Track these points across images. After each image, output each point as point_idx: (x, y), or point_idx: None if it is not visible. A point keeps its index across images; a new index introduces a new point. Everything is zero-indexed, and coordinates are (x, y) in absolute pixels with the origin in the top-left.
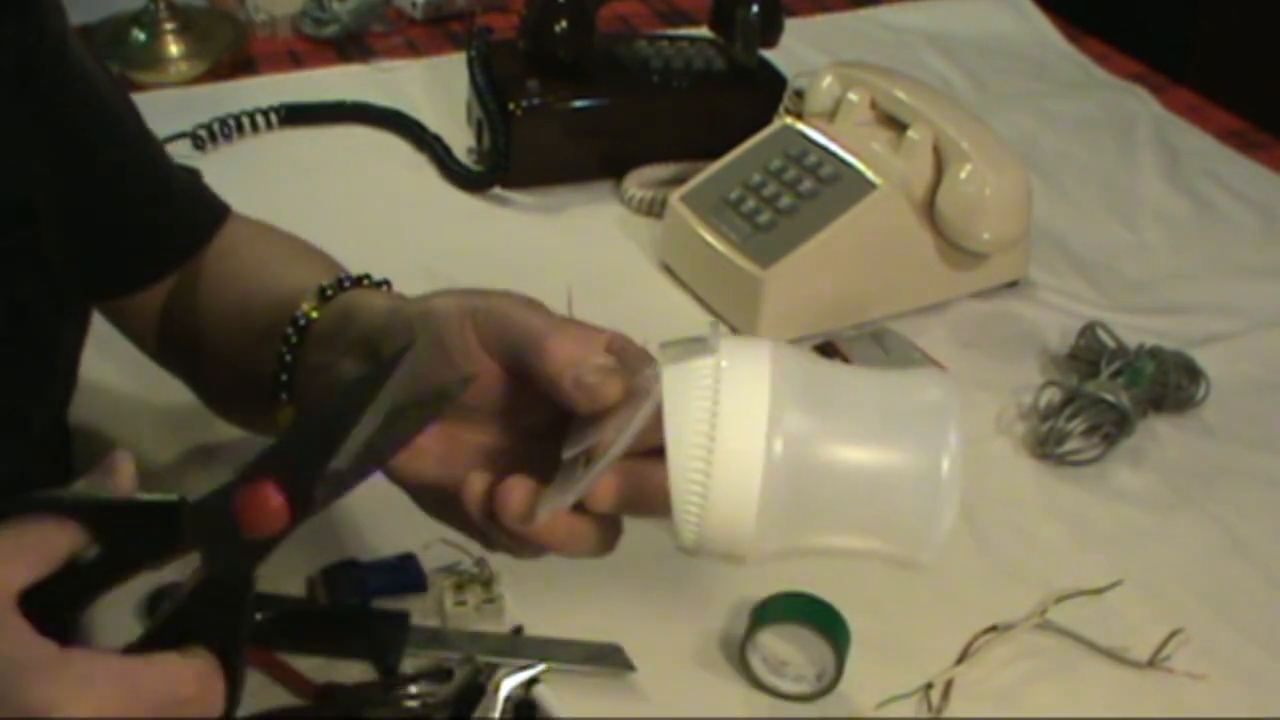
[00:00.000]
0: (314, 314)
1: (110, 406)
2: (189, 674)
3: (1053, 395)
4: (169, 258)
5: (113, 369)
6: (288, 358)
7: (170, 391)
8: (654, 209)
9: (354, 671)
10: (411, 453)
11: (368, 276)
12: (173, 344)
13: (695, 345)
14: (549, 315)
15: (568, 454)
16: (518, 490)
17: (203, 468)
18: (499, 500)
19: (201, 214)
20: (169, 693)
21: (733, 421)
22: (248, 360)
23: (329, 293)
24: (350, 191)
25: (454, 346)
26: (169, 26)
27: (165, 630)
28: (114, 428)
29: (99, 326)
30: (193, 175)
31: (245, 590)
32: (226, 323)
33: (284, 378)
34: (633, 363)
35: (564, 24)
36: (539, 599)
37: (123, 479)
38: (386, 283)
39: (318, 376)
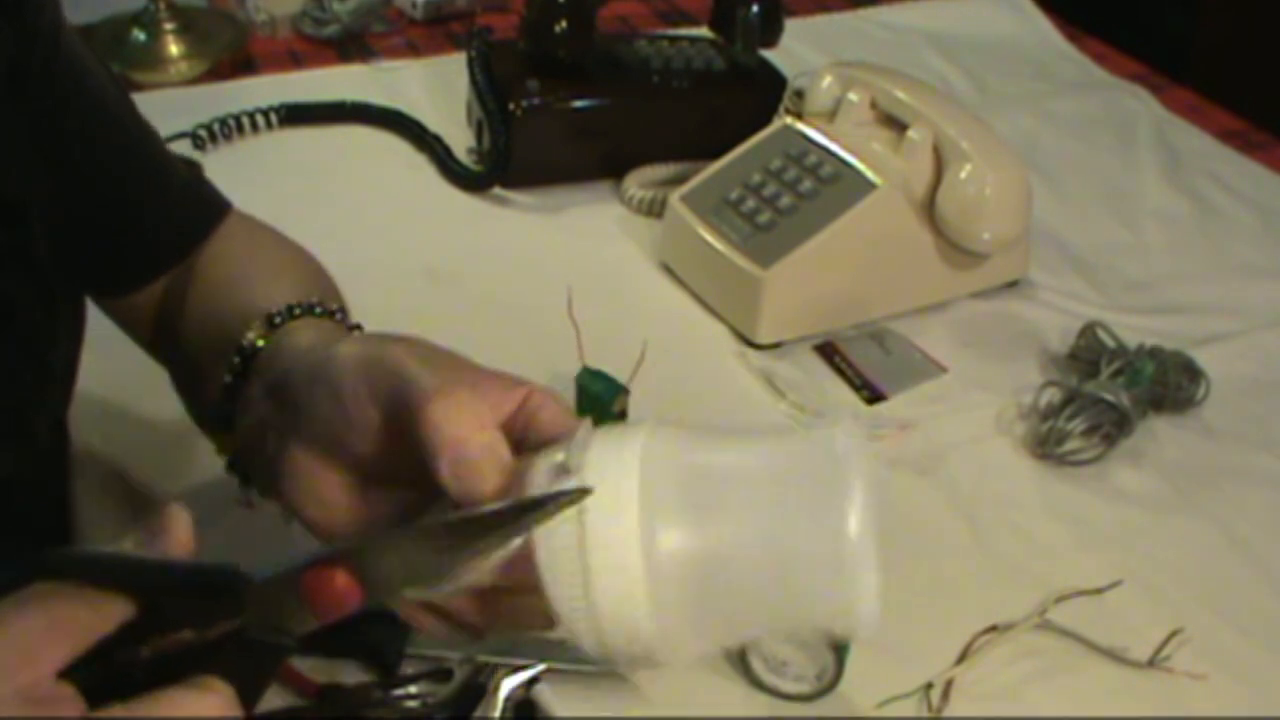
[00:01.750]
0: (259, 342)
1: (109, 410)
2: (215, 710)
3: (1053, 395)
4: (165, 256)
5: (111, 372)
6: (229, 382)
7: (169, 395)
8: (654, 209)
9: (354, 671)
10: (322, 506)
11: (320, 303)
12: (160, 340)
13: (562, 465)
14: (447, 371)
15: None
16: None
17: (201, 473)
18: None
19: (200, 212)
20: None
21: (604, 553)
22: (201, 368)
23: (276, 320)
24: (350, 191)
25: (348, 397)
26: (169, 27)
27: (186, 655)
28: (113, 431)
29: (97, 329)
30: (194, 169)
31: (286, 652)
32: (198, 328)
33: (226, 406)
34: (546, 428)
35: (564, 24)
36: None
37: (178, 540)
38: (341, 310)
39: (248, 411)
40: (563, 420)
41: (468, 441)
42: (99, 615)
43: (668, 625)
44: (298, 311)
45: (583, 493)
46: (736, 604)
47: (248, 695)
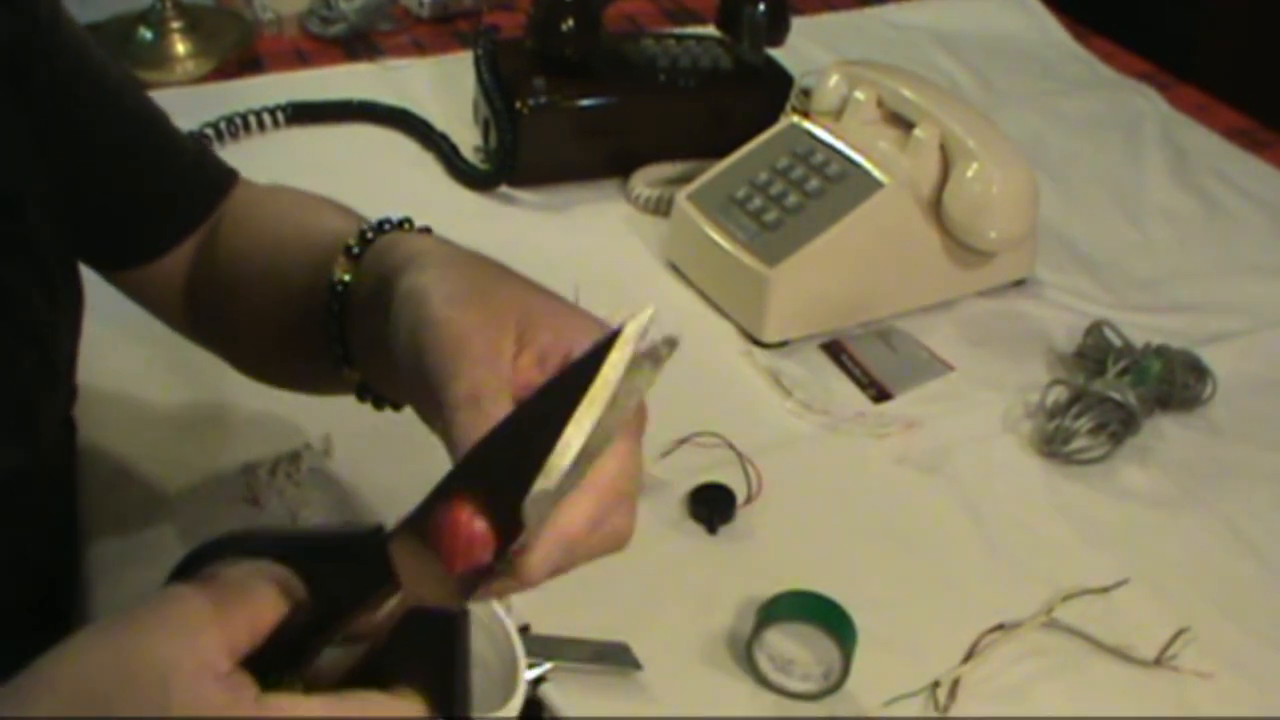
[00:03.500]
0: (345, 276)
1: (116, 406)
2: (394, 713)
3: (1059, 394)
4: (182, 224)
5: (117, 368)
6: (335, 329)
7: (175, 390)
8: (660, 207)
9: None
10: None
11: (388, 220)
12: (199, 312)
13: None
14: (476, 368)
15: None
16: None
17: (206, 469)
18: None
19: (210, 179)
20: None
21: None
22: (288, 321)
23: (355, 250)
24: (357, 190)
25: (399, 349)
26: (176, 25)
27: (367, 671)
28: (119, 427)
29: (102, 325)
30: (199, 143)
31: (457, 626)
32: (257, 284)
33: (340, 351)
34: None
35: (571, 23)
36: (546, 598)
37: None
38: (408, 221)
39: (376, 352)
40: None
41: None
42: (274, 600)
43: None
44: (370, 235)
45: (671, 344)
46: None
47: (441, 677)
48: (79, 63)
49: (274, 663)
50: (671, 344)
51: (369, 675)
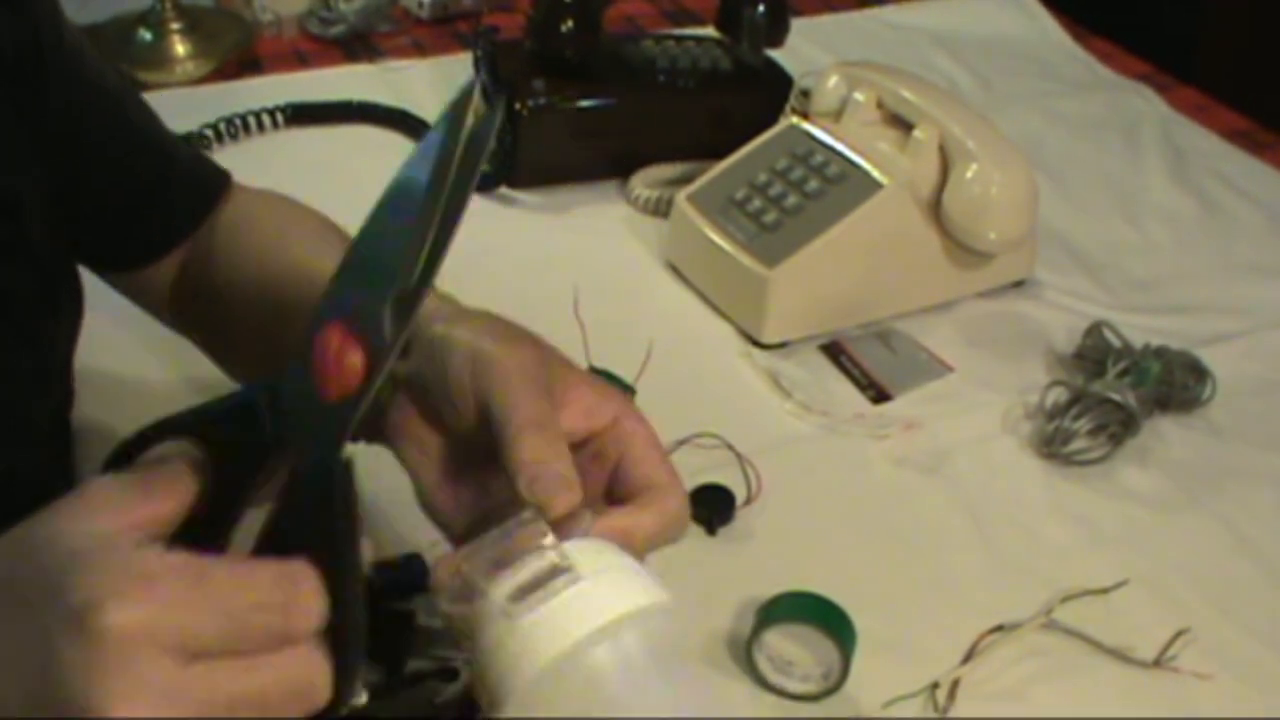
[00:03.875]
0: None
1: (114, 408)
2: (266, 575)
3: (1059, 395)
4: (180, 228)
5: (116, 367)
6: None
7: (174, 391)
8: (660, 208)
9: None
10: (421, 449)
11: None
12: (189, 314)
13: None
14: (533, 396)
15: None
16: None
17: None
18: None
19: (206, 183)
20: (240, 595)
21: (566, 611)
22: (274, 333)
23: None
24: (356, 191)
25: (453, 381)
26: (175, 26)
27: (268, 541)
28: (117, 430)
29: (101, 322)
30: (193, 147)
31: (336, 479)
32: (248, 293)
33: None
34: (634, 468)
35: (570, 24)
36: None
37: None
38: None
39: None
40: (649, 463)
41: (551, 463)
42: (177, 486)
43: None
44: None
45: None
46: None
47: (326, 534)
48: (78, 67)
49: (197, 540)
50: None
51: (270, 545)
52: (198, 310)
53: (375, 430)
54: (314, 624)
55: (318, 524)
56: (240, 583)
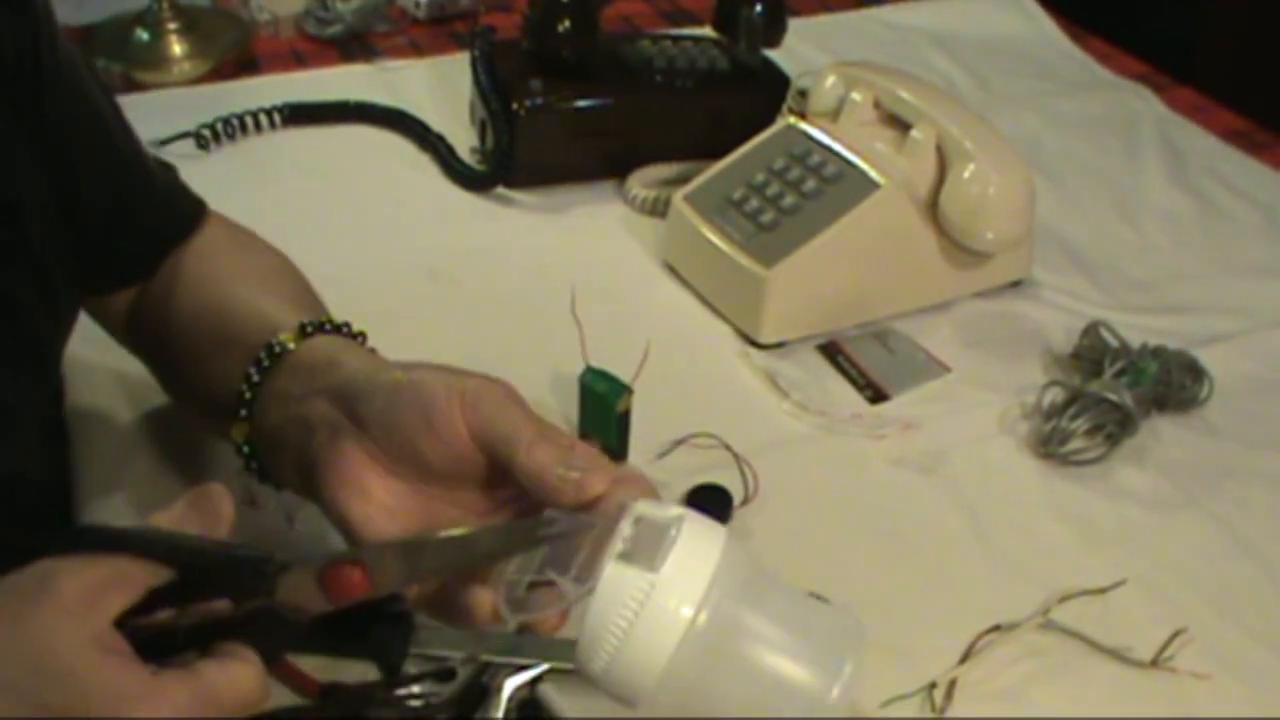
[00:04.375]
0: (291, 345)
1: (110, 409)
2: (253, 679)
3: (1056, 395)
4: (152, 256)
5: (112, 370)
6: (255, 378)
7: None
8: (657, 208)
9: (357, 671)
10: (365, 499)
11: (347, 325)
12: (142, 334)
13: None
14: (530, 415)
15: (520, 576)
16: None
17: (207, 469)
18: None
19: (182, 212)
20: (239, 697)
21: (672, 582)
22: (212, 365)
23: (309, 330)
24: (353, 191)
25: (440, 422)
26: (172, 26)
27: (219, 625)
28: (113, 431)
29: (94, 327)
30: (170, 172)
31: (304, 628)
32: (198, 324)
33: (247, 395)
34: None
35: (567, 24)
36: None
37: (222, 515)
38: (363, 335)
39: (287, 404)
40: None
41: (567, 459)
42: (149, 572)
43: (676, 671)
44: (328, 327)
45: (564, 530)
46: (728, 687)
47: (268, 660)
48: (71, 81)
49: (140, 632)
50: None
51: (215, 631)
52: (148, 334)
53: (313, 486)
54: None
55: (273, 646)
56: (238, 689)
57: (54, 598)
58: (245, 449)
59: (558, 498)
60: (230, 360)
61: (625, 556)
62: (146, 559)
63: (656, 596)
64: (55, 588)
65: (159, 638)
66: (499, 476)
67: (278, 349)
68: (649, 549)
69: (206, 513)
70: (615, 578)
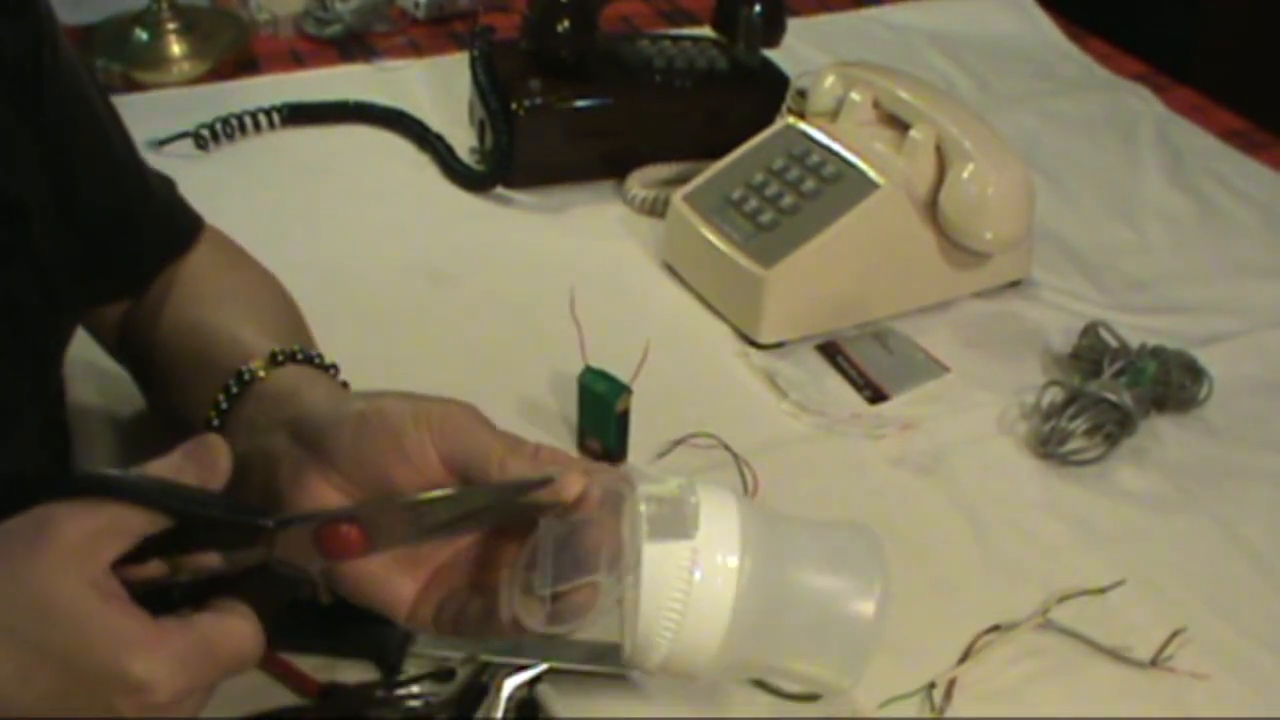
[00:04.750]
0: (261, 373)
1: (110, 411)
2: (250, 635)
3: (1055, 395)
4: (146, 269)
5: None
6: (224, 405)
7: None
8: (656, 208)
9: (357, 671)
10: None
11: (319, 355)
12: (130, 350)
13: (668, 486)
14: (496, 432)
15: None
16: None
17: None
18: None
19: (179, 226)
20: (236, 651)
21: (711, 541)
22: (189, 388)
23: (280, 359)
24: (353, 191)
25: (412, 450)
26: (171, 26)
27: (216, 581)
28: (114, 432)
29: None
30: (168, 185)
31: (299, 584)
32: (179, 346)
33: (215, 423)
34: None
35: (566, 24)
36: None
37: (219, 467)
38: (335, 367)
39: (253, 434)
40: (574, 464)
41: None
42: (146, 519)
43: (735, 630)
44: (300, 357)
45: (547, 480)
46: (772, 642)
47: (264, 618)
48: (71, 86)
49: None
50: (545, 481)
51: (211, 587)
52: (136, 350)
53: (269, 503)
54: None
55: (267, 602)
56: (236, 642)
57: (52, 542)
58: None
59: (538, 504)
60: (205, 385)
61: (657, 534)
62: (144, 506)
63: (703, 560)
64: (54, 532)
65: (155, 592)
66: None
67: (247, 376)
68: (675, 520)
69: (203, 464)
70: (657, 557)
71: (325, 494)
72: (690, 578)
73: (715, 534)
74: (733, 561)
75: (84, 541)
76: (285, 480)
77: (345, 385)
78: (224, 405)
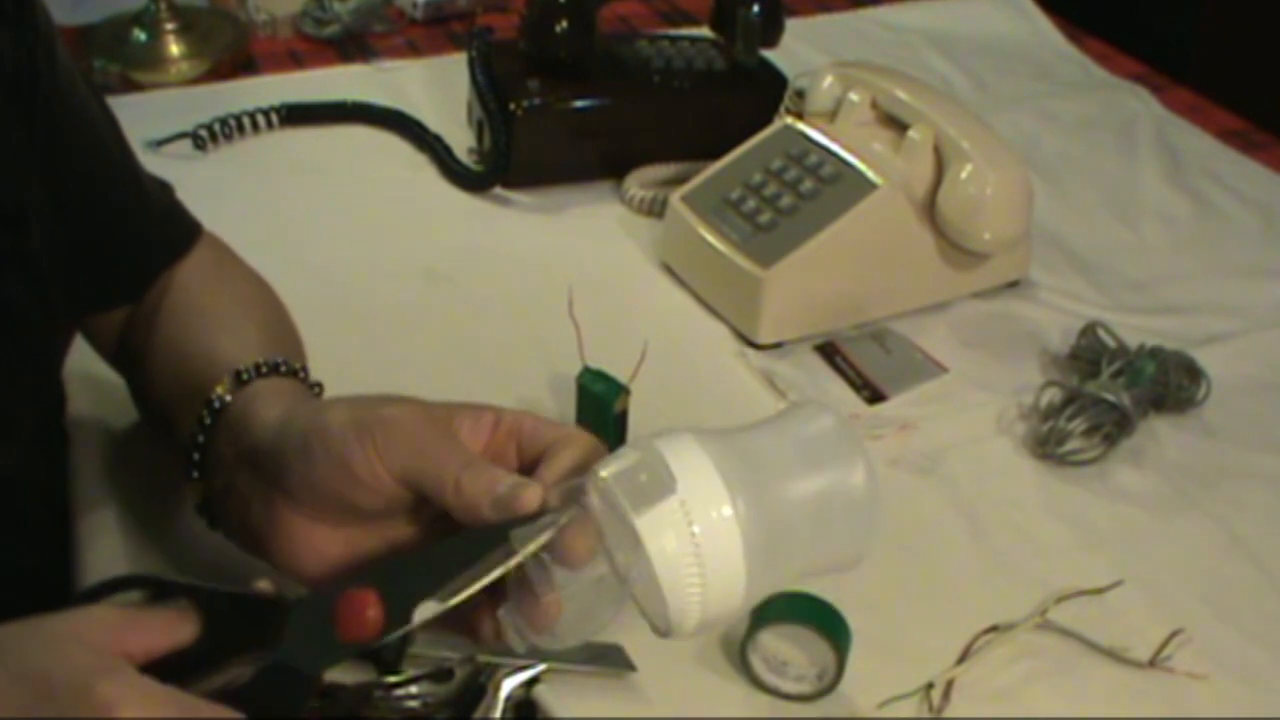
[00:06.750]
0: (226, 397)
1: (110, 415)
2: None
3: (1053, 395)
4: (144, 276)
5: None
6: (200, 438)
7: None
8: (654, 209)
9: (355, 671)
10: (317, 558)
11: (286, 362)
12: (125, 363)
13: (629, 455)
14: (446, 442)
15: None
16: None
17: None
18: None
19: (177, 233)
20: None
21: (701, 506)
22: (173, 412)
23: (244, 376)
24: (351, 191)
25: (360, 470)
26: (170, 26)
27: (220, 695)
28: (113, 437)
29: None
30: (166, 190)
31: (312, 685)
32: (164, 365)
33: (195, 456)
34: (531, 436)
35: (564, 24)
36: None
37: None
38: (304, 370)
39: (223, 470)
40: (543, 428)
41: (498, 482)
42: (172, 626)
43: (752, 568)
44: (264, 370)
45: (555, 518)
46: (787, 556)
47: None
48: (71, 96)
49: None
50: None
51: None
52: (130, 363)
53: (268, 555)
54: None
55: (280, 711)
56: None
57: (69, 626)
58: (203, 509)
59: (499, 521)
60: (184, 412)
61: (640, 503)
62: (173, 609)
63: (695, 511)
64: (72, 620)
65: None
66: (421, 503)
67: (217, 404)
68: (651, 483)
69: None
70: (651, 527)
71: (301, 525)
72: (692, 534)
73: (695, 482)
74: (727, 510)
75: (105, 630)
76: (259, 519)
77: (317, 389)
78: (200, 439)
